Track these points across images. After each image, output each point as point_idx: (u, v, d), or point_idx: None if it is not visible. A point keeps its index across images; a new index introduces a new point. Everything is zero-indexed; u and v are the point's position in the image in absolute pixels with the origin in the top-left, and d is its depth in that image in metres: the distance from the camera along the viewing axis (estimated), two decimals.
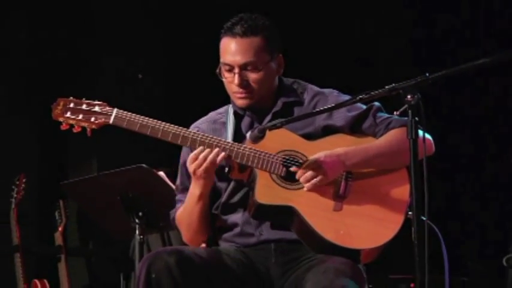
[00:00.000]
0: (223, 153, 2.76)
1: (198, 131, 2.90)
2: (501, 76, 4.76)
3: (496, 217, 4.65)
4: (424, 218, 2.38)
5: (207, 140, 2.79)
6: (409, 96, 2.40)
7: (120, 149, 5.04)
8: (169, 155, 3.03)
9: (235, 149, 2.79)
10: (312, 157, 2.76)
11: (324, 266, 2.64)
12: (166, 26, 5.59)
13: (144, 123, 2.81)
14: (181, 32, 5.48)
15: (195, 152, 2.77)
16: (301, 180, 2.76)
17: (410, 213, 2.66)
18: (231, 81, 2.87)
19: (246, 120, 2.95)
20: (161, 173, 3.62)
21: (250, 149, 2.79)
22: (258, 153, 2.79)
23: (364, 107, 2.88)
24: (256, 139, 2.80)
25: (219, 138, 2.81)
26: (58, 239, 4.93)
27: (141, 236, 3.55)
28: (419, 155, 2.44)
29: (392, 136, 2.82)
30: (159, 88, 5.57)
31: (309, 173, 2.75)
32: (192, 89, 5.38)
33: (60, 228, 4.93)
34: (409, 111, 2.40)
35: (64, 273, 4.86)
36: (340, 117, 2.86)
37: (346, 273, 2.61)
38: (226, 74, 2.88)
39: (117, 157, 4.56)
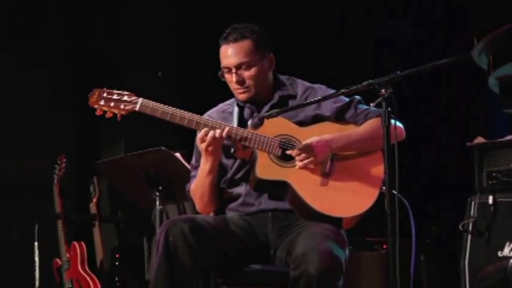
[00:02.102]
0: (226, 129, 2.74)
1: (209, 118, 2.90)
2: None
3: (454, 189, 4.64)
4: (395, 192, 2.37)
5: (216, 125, 2.77)
6: (383, 90, 2.40)
7: (143, 134, 5.01)
8: (184, 139, 3.01)
9: (240, 132, 2.78)
10: (305, 141, 2.75)
11: (312, 231, 2.63)
12: (183, 28, 5.55)
13: (165, 110, 2.80)
14: (195, 34, 5.44)
15: (202, 133, 2.75)
16: (296, 159, 2.75)
17: (384, 188, 2.66)
18: (230, 81, 2.87)
19: (247, 111, 2.93)
20: (177, 154, 3.61)
21: (253, 133, 2.78)
22: (259, 136, 2.78)
23: (347, 99, 2.88)
24: (256, 126, 2.79)
25: (226, 124, 2.80)
26: (93, 208, 4.92)
27: (161, 206, 3.55)
28: (392, 140, 2.43)
29: (370, 124, 2.82)
30: (175, 83, 5.54)
31: (303, 154, 2.74)
32: (204, 84, 5.35)
33: (94, 200, 4.92)
34: (383, 103, 2.39)
35: (98, 237, 4.86)
36: (327, 108, 2.86)
37: (330, 236, 2.60)
38: (227, 75, 2.88)
39: (141, 140, 4.52)
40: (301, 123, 2.85)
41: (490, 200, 3.60)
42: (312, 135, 2.77)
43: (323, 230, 2.64)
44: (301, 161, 2.75)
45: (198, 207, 2.96)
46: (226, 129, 2.75)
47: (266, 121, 2.80)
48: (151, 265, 4.61)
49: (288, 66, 3.04)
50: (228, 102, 3.03)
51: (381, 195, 2.74)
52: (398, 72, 2.43)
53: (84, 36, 5.51)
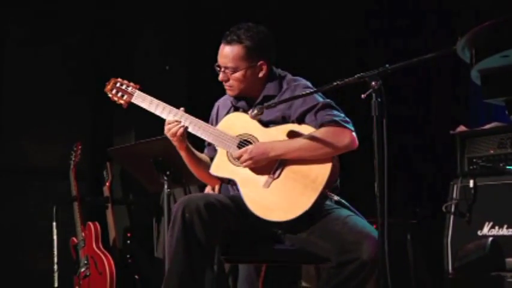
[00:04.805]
0: (182, 129, 2.77)
1: (219, 105, 2.96)
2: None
3: (438, 174, 4.63)
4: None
5: (189, 120, 2.79)
6: (373, 83, 2.37)
7: (153, 123, 4.99)
8: None
9: (207, 129, 2.79)
10: (245, 148, 2.71)
11: (357, 220, 2.68)
12: (191, 24, 5.52)
13: (152, 102, 2.85)
14: (202, 28, 5.40)
15: (168, 121, 2.80)
16: (239, 161, 2.72)
17: (327, 191, 2.67)
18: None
19: (241, 105, 2.91)
20: None
21: (217, 130, 2.78)
22: (222, 134, 2.76)
23: (317, 101, 2.77)
24: (256, 116, 2.74)
25: (196, 120, 2.80)
26: (106, 191, 4.91)
27: (169, 190, 3.53)
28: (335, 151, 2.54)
29: (318, 133, 2.70)
30: (182, 76, 5.52)
31: (243, 157, 2.70)
32: (211, 78, 5.30)
33: (107, 183, 4.91)
34: (373, 94, 2.37)
35: (111, 218, 4.85)
36: (295, 109, 2.79)
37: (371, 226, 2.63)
38: (219, 70, 2.85)
39: (151, 129, 4.51)
40: (270, 122, 2.80)
41: (471, 183, 3.58)
42: (269, 137, 2.73)
43: (361, 219, 2.66)
44: (242, 162, 2.71)
45: (202, 180, 2.97)
46: (180, 125, 2.77)
47: (236, 119, 2.80)
48: (159, 243, 4.61)
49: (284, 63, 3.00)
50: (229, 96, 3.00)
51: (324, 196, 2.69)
52: (387, 66, 2.41)
53: (101, 34, 5.49)
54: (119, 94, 2.91)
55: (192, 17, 5.49)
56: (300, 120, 2.77)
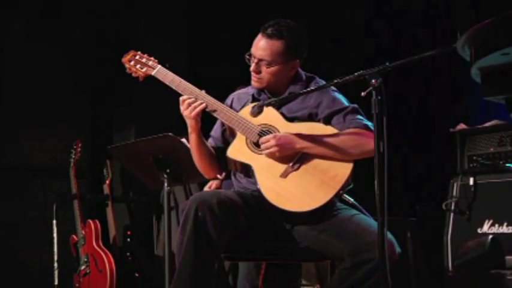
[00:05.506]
0: (203, 104, 2.75)
1: (233, 98, 2.93)
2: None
3: (438, 172, 4.63)
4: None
5: (211, 102, 2.78)
6: (373, 80, 2.36)
7: (152, 121, 5.00)
8: None
9: (229, 113, 2.78)
10: (273, 134, 2.71)
11: (368, 219, 2.67)
12: (191, 22, 5.51)
13: (174, 79, 2.84)
14: (205, 23, 5.40)
15: (183, 98, 2.78)
16: (262, 146, 2.72)
17: (341, 192, 2.65)
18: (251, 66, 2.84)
19: (262, 98, 2.90)
20: (183, 140, 3.58)
21: (239, 116, 2.77)
22: (244, 120, 2.75)
23: (345, 105, 2.79)
24: (256, 113, 2.75)
25: (219, 102, 2.80)
26: (106, 189, 4.91)
27: (169, 187, 3.52)
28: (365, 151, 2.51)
29: (343, 135, 2.71)
30: (181, 73, 5.51)
31: (270, 142, 2.70)
32: (211, 74, 5.31)
33: (107, 181, 4.91)
34: (373, 92, 2.36)
35: (110, 215, 4.85)
36: (322, 109, 2.79)
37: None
38: (251, 60, 2.84)
39: (150, 127, 4.52)
40: (295, 118, 2.80)
41: (471, 181, 3.59)
42: (290, 131, 2.72)
43: (373, 220, 2.63)
44: (268, 148, 2.70)
45: (199, 168, 2.94)
46: (200, 101, 2.75)
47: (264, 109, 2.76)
48: (160, 240, 4.61)
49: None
50: (245, 90, 2.99)
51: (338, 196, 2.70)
52: (387, 64, 2.41)
53: (101, 32, 5.49)
54: (138, 66, 2.89)
55: (192, 15, 5.49)
56: (326, 121, 2.78)
